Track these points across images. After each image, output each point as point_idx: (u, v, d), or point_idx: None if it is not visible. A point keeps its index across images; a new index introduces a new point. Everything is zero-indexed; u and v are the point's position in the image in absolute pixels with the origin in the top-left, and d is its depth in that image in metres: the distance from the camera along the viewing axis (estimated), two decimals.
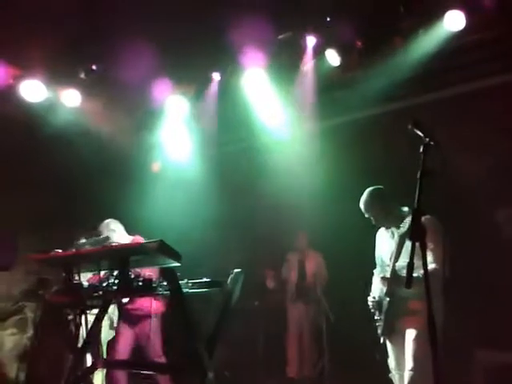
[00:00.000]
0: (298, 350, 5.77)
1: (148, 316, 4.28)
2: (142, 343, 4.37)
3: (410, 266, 2.01)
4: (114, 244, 3.28)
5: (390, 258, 3.36)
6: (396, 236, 3.38)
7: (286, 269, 6.05)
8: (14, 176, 5.93)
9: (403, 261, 3.19)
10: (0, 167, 5.80)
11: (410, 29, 4.85)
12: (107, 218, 4.72)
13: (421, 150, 2.22)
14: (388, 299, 3.33)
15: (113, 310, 4.75)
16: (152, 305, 4.27)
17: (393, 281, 3.26)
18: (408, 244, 2.02)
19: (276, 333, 5.95)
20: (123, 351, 4.32)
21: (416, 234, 2.01)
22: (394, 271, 3.27)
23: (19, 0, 4.60)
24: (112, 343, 4.55)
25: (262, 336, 5.81)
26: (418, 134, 2.29)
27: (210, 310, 4.71)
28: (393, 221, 3.46)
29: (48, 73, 5.26)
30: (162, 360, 4.38)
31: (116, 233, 4.59)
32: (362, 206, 3.55)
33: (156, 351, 4.37)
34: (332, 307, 5.40)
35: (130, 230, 4.76)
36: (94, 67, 5.49)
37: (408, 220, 3.11)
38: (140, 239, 4.55)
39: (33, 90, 5.27)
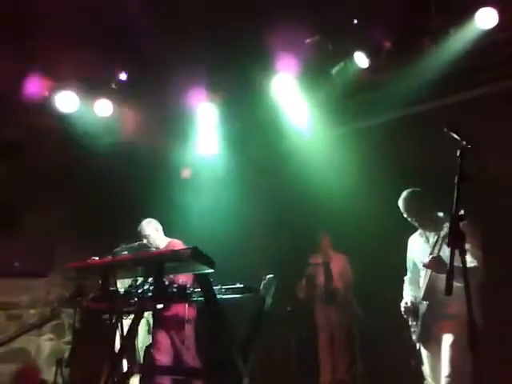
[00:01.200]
0: (331, 355, 5.72)
1: (182, 321, 4.32)
2: (178, 349, 4.41)
3: (450, 273, 1.99)
4: (148, 251, 3.32)
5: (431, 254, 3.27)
6: (432, 240, 3.34)
7: (312, 272, 6.02)
8: (50, 185, 6.11)
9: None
10: (37, 176, 5.99)
11: (439, 28, 4.78)
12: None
13: (458, 153, 2.19)
14: (425, 303, 3.29)
15: (150, 315, 4.82)
16: (186, 310, 4.31)
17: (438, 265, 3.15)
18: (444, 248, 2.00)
19: (309, 338, 5.92)
20: (162, 358, 4.36)
21: (455, 241, 1.98)
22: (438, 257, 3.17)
23: (51, 14, 4.72)
24: (150, 350, 4.61)
25: (294, 341, 5.79)
26: (454, 138, 2.27)
27: (241, 314, 4.76)
28: (430, 224, 3.42)
29: (81, 83, 5.39)
30: (197, 365, 4.41)
31: (153, 235, 4.66)
32: (401, 204, 3.51)
33: (191, 357, 4.40)
34: (363, 311, 5.35)
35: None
36: (124, 76, 5.61)
37: (447, 224, 3.06)
38: (177, 243, 4.60)
39: (67, 101, 5.40)
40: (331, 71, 5.25)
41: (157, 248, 4.61)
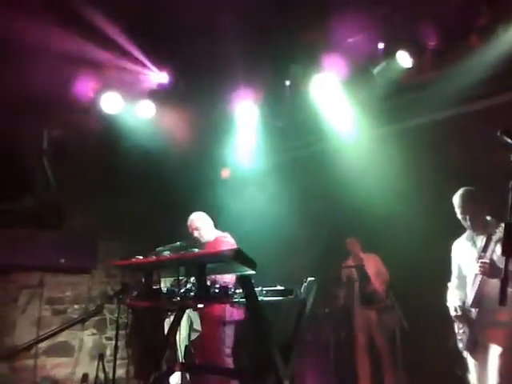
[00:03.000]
0: (370, 358, 5.64)
1: (224, 322, 4.33)
2: (214, 346, 4.42)
3: (505, 283, 1.92)
4: (191, 252, 3.35)
5: (480, 258, 3.19)
6: (480, 244, 3.24)
7: (348, 276, 5.94)
8: (95, 184, 6.29)
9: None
10: (83, 176, 6.17)
11: (487, 26, 4.63)
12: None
13: (511, 158, 2.12)
14: (474, 310, 3.19)
15: (191, 312, 4.87)
16: (226, 311, 4.33)
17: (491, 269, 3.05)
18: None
19: (347, 340, 5.86)
20: (204, 357, 4.43)
21: (509, 249, 1.91)
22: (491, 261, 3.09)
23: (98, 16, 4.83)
24: (195, 345, 4.66)
25: (332, 343, 5.74)
26: (507, 142, 2.19)
27: (280, 316, 4.74)
28: (480, 226, 3.32)
29: (125, 85, 5.50)
30: (229, 364, 4.41)
31: (204, 228, 4.71)
32: (458, 200, 3.42)
33: (222, 355, 4.36)
34: (405, 315, 5.24)
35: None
36: (166, 78, 5.69)
37: (500, 229, 2.97)
38: (224, 237, 4.62)
39: (111, 103, 5.53)
40: (373, 71, 5.18)
41: (206, 242, 4.66)
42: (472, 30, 4.71)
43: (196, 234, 4.69)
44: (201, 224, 4.71)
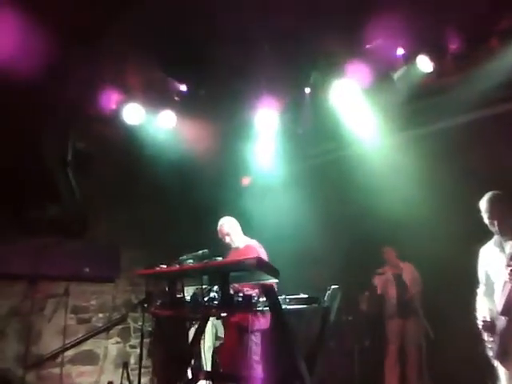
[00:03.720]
0: (399, 368, 5.55)
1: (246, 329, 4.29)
2: (239, 355, 4.40)
3: None
4: (214, 260, 3.37)
5: (509, 266, 3.11)
6: (509, 250, 3.17)
7: (382, 284, 5.86)
8: (119, 194, 6.38)
9: None
10: (105, 186, 6.27)
11: (508, 29, 4.57)
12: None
13: None
14: (504, 318, 3.13)
15: (215, 320, 4.87)
16: (250, 320, 4.32)
17: None
18: None
19: (371, 348, 5.79)
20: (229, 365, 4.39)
21: None
22: None
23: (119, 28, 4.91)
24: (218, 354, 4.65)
25: (357, 351, 5.68)
26: None
27: (302, 324, 4.71)
28: (508, 232, 3.26)
29: (147, 96, 5.58)
30: (258, 373, 4.38)
31: (234, 234, 4.71)
32: (485, 205, 3.36)
33: (249, 364, 4.31)
34: (430, 323, 5.16)
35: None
36: (185, 88, 5.75)
37: None
38: (254, 244, 4.62)
39: (133, 113, 5.61)
40: (393, 76, 5.15)
41: (236, 247, 4.67)
42: (493, 33, 4.66)
43: (228, 239, 4.70)
44: (231, 229, 4.72)
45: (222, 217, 4.83)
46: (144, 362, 5.58)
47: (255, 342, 4.34)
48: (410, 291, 5.55)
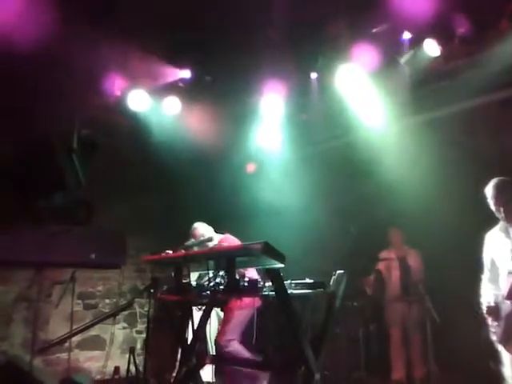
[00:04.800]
0: (404, 351, 5.57)
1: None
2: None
3: None
4: (221, 246, 3.37)
5: None
6: None
7: (386, 267, 5.85)
8: (124, 181, 6.38)
9: None
10: (110, 174, 6.26)
11: None
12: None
13: None
14: (509, 302, 3.12)
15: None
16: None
17: None
18: None
19: (377, 332, 5.81)
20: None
21: None
22: None
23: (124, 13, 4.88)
24: None
25: (362, 336, 5.70)
26: None
27: (308, 309, 4.72)
28: None
29: (151, 82, 5.55)
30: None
31: (208, 234, 4.68)
32: (491, 191, 3.35)
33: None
34: (436, 308, 5.17)
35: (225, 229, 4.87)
36: (189, 74, 5.70)
37: None
38: (228, 237, 4.62)
39: (138, 100, 5.59)
40: (401, 60, 5.09)
41: (214, 245, 4.64)
42: (503, 15, 4.58)
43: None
44: (204, 230, 4.76)
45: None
46: (151, 347, 5.62)
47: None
48: (415, 275, 5.56)
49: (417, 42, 4.97)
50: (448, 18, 4.76)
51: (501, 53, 4.60)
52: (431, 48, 4.90)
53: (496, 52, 4.64)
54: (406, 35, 4.99)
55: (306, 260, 5.49)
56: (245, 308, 4.26)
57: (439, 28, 4.84)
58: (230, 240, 4.52)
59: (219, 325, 5.11)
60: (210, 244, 4.49)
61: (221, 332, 4.41)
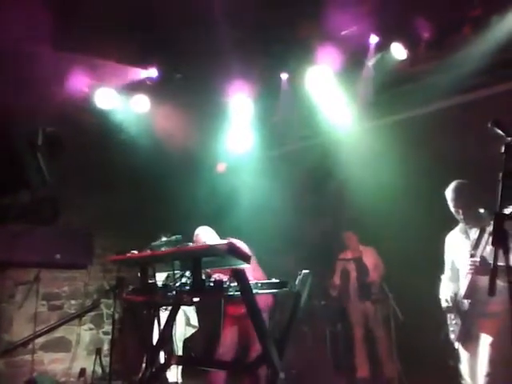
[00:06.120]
0: (368, 350, 5.68)
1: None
2: (244, 342, 4.36)
3: (494, 273, 1.93)
4: (186, 246, 3.35)
5: (474, 250, 3.19)
6: (473, 236, 3.25)
7: (342, 269, 5.97)
8: (91, 180, 6.29)
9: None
10: (78, 172, 6.16)
11: (481, 17, 4.63)
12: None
13: (502, 149, 2.12)
14: (467, 301, 3.21)
15: (189, 307, 4.86)
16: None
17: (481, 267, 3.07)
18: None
19: (343, 332, 5.90)
20: (226, 351, 4.35)
21: (499, 240, 1.93)
22: (482, 259, 3.10)
23: (92, 11, 4.80)
24: (195, 340, 4.60)
25: (329, 335, 5.77)
26: (498, 133, 2.19)
27: (275, 309, 4.76)
28: (473, 219, 3.32)
29: (119, 80, 5.49)
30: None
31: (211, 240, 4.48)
32: (451, 194, 3.40)
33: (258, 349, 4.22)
34: (399, 306, 5.28)
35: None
36: (156, 73, 5.65)
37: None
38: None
39: (106, 98, 5.52)
40: (368, 63, 5.18)
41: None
42: (466, 20, 4.71)
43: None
44: (207, 237, 4.56)
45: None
46: (117, 348, 5.56)
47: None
48: (371, 274, 5.68)
49: (384, 45, 5.06)
50: (414, 23, 4.87)
51: (463, 57, 4.73)
52: (398, 51, 5.00)
53: (459, 57, 4.77)
54: (374, 39, 5.08)
55: (274, 260, 5.51)
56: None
57: (406, 32, 4.95)
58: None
59: (187, 325, 5.10)
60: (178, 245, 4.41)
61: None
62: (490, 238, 3.02)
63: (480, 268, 3.06)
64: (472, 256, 3.15)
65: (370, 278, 5.70)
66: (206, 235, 4.60)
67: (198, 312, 5.29)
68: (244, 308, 4.09)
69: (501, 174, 2.06)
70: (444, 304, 3.42)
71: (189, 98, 5.78)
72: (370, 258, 5.81)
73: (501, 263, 2.00)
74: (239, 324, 4.36)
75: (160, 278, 3.75)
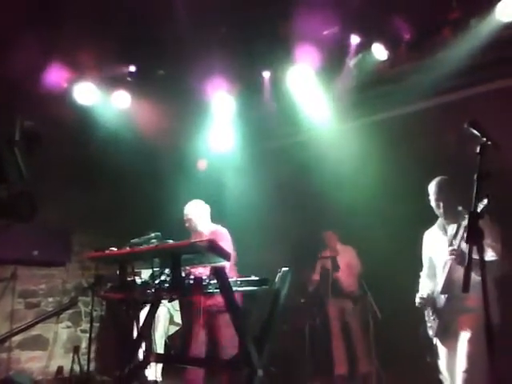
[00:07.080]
0: (345, 347, 5.74)
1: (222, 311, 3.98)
2: (215, 338, 4.33)
3: (468, 269, 1.98)
4: (165, 243, 3.34)
5: (450, 246, 3.26)
6: (450, 232, 3.31)
7: (321, 266, 6.06)
8: (69, 176, 6.20)
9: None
10: (57, 169, 6.08)
11: (460, 20, 4.70)
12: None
13: (477, 150, 2.16)
14: (443, 296, 3.27)
15: (172, 305, 4.84)
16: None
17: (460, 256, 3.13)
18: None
19: (322, 329, 5.94)
20: (198, 348, 4.31)
21: (473, 238, 1.97)
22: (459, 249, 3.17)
23: (71, 5, 4.74)
24: (176, 338, 4.57)
25: (308, 333, 5.80)
26: (474, 134, 2.23)
27: (255, 306, 4.76)
28: (452, 215, 3.38)
29: (100, 75, 5.42)
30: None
31: (196, 220, 4.46)
32: (434, 187, 3.47)
33: (229, 346, 4.10)
34: (377, 304, 5.34)
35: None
36: (133, 69, 5.59)
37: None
38: (220, 233, 4.40)
39: (85, 93, 5.44)
40: (349, 63, 5.22)
41: (197, 232, 4.44)
42: (445, 23, 4.78)
43: (187, 224, 4.47)
44: (194, 214, 4.48)
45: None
46: (95, 347, 5.51)
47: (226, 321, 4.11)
48: (342, 273, 5.80)
49: (365, 46, 5.10)
50: (395, 25, 4.92)
51: (443, 59, 4.81)
52: (379, 52, 5.04)
53: (439, 58, 4.84)
54: (355, 39, 5.11)
55: (254, 257, 5.51)
56: None
57: (386, 34, 5.00)
58: (218, 234, 4.29)
59: (170, 323, 5.07)
60: (156, 242, 4.36)
61: None
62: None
63: (460, 256, 3.12)
64: (451, 245, 3.22)
65: (337, 275, 5.85)
66: (193, 211, 4.48)
67: (181, 309, 5.26)
68: (214, 302, 4.16)
69: (476, 175, 2.10)
70: (417, 300, 3.47)
71: (170, 95, 5.74)
72: (345, 256, 5.95)
73: (476, 257, 2.05)
74: (209, 320, 4.32)
75: (146, 275, 3.72)
